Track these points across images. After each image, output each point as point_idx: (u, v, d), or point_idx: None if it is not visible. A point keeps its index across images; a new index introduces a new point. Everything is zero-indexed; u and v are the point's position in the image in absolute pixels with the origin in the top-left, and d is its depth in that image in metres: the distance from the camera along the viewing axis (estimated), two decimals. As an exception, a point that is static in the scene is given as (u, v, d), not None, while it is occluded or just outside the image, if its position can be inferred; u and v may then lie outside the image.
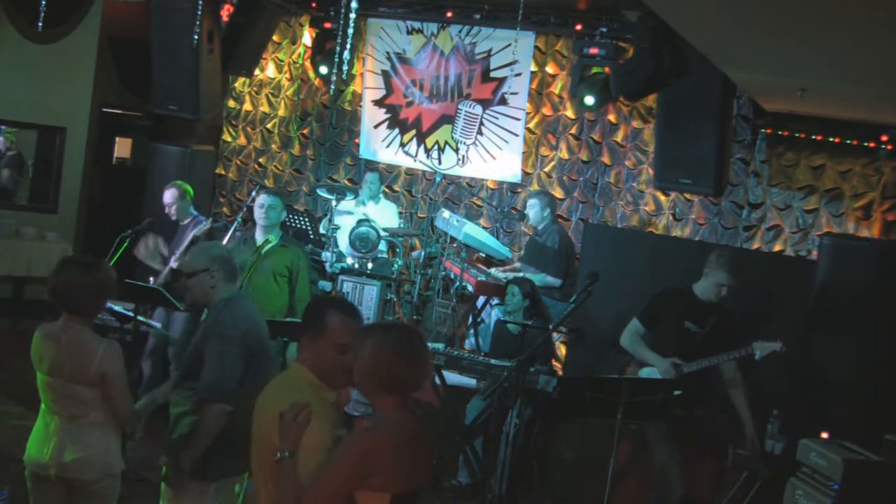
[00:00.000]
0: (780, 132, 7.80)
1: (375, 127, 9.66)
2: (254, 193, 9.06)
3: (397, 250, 8.80)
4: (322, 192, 8.83)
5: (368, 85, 9.69)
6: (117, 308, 6.04)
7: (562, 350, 8.10)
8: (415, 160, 9.45)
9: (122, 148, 11.55)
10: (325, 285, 8.08)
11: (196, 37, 8.04)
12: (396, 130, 9.55)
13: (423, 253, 8.58)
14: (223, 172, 10.45)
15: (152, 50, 8.71)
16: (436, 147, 9.36)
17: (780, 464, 5.60)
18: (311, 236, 8.68)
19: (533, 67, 8.88)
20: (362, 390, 2.85)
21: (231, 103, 10.41)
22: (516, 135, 8.95)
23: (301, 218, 8.82)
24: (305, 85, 10.15)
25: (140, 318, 6.14)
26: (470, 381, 6.53)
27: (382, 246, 8.37)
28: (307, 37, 9.94)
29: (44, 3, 6.89)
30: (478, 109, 9.13)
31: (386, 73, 9.55)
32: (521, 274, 7.49)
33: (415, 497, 2.81)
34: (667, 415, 5.28)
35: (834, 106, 6.79)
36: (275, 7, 9.26)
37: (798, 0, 3.53)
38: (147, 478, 5.70)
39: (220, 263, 3.93)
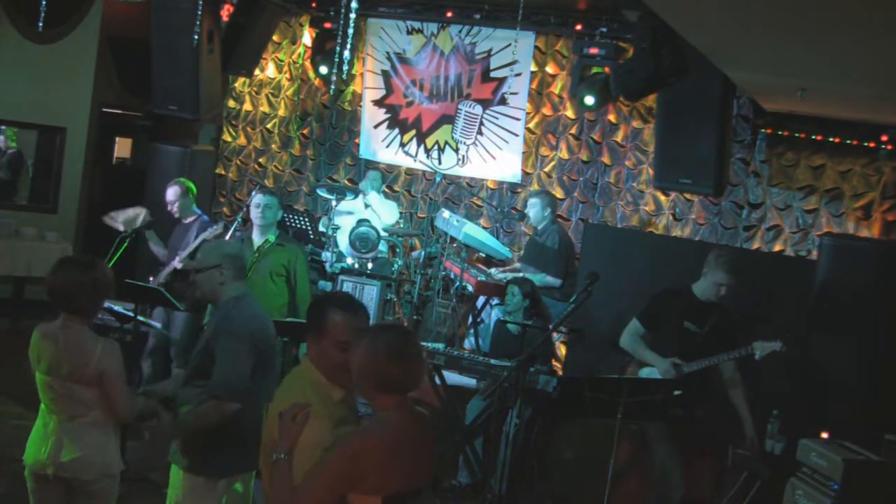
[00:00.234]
0: (780, 132, 7.79)
1: (375, 127, 9.66)
2: (254, 193, 9.12)
3: (397, 250, 8.80)
4: (322, 192, 8.83)
5: (368, 85, 9.69)
6: (117, 308, 6.04)
7: (562, 350, 8.10)
8: (415, 160, 9.45)
9: (122, 148, 11.55)
10: (325, 285, 8.08)
11: (196, 37, 8.05)
12: (396, 130, 9.55)
13: (423, 253, 8.58)
14: (223, 172, 10.45)
15: (152, 50, 8.71)
16: (436, 147, 9.36)
17: (780, 464, 5.60)
18: (311, 236, 8.69)
19: (533, 67, 8.88)
20: (359, 391, 2.85)
21: (231, 103, 10.41)
22: (516, 135, 8.95)
23: (301, 218, 8.82)
24: (305, 85, 10.15)
25: (140, 318, 6.14)
26: (470, 381, 6.53)
27: (382, 246, 8.37)
28: (307, 37, 9.94)
29: (44, 3, 6.89)
30: (478, 109, 9.13)
31: (386, 73, 9.55)
32: (520, 274, 7.49)
33: (410, 498, 2.79)
34: (667, 415, 5.28)
35: (834, 106, 6.79)
36: (275, 7, 9.26)
37: (798, 0, 3.53)
38: (147, 478, 5.70)
39: (231, 261, 3.96)
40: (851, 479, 4.67)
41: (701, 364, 5.45)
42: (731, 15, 4.07)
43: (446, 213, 8.30)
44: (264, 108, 10.32)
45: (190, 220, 6.96)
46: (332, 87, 9.55)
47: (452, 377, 6.37)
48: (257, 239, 6.28)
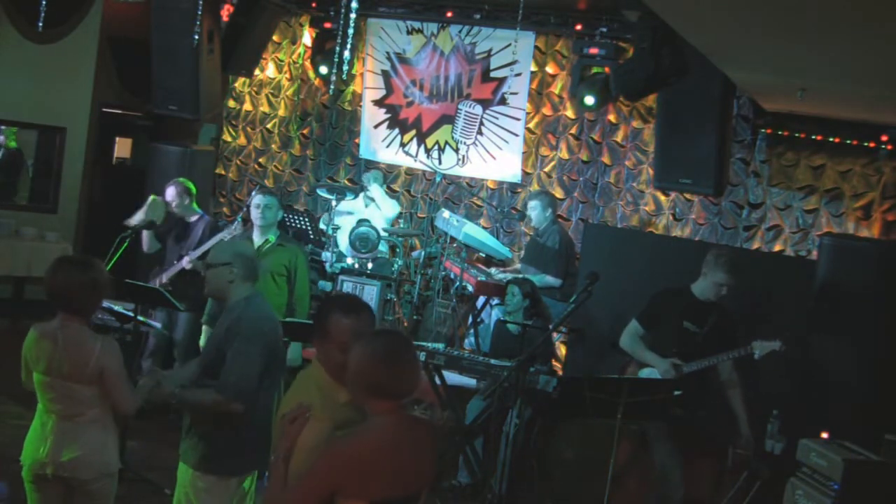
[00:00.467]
0: (780, 132, 7.79)
1: (375, 127, 9.66)
2: (254, 193, 9.12)
3: (397, 250, 8.80)
4: (322, 192, 8.83)
5: (368, 85, 9.69)
6: (117, 308, 6.04)
7: (562, 350, 8.10)
8: (415, 160, 9.45)
9: (122, 148, 11.55)
10: (325, 285, 8.08)
11: (196, 37, 8.05)
12: (396, 130, 9.55)
13: (423, 253, 8.59)
14: (223, 172, 10.45)
15: (152, 50, 8.71)
16: (436, 147, 9.36)
17: (780, 464, 5.60)
18: (311, 236, 8.69)
19: (533, 67, 8.88)
20: (353, 395, 2.84)
21: (231, 103, 10.41)
22: (516, 135, 8.95)
23: (301, 218, 8.82)
24: (305, 85, 10.15)
25: (140, 317, 6.14)
26: (470, 381, 6.53)
27: (382, 246, 8.37)
28: (307, 37, 9.94)
29: (44, 3, 6.89)
30: (478, 109, 9.13)
31: (386, 73, 9.55)
32: (521, 274, 7.49)
33: (401, 503, 2.78)
34: (667, 415, 5.28)
35: (834, 106, 6.79)
36: (275, 7, 9.26)
37: (798, 0, 3.53)
38: (147, 478, 5.70)
39: (242, 261, 3.97)
40: (851, 479, 4.67)
41: (701, 364, 5.45)
42: (731, 15, 4.07)
43: (446, 213, 8.30)
44: (264, 108, 10.32)
45: (193, 219, 6.95)
46: (332, 87, 9.55)
47: (452, 377, 6.37)
48: (257, 239, 6.28)
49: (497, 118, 9.03)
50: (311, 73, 9.98)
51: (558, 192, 8.77)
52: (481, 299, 8.02)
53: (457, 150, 9.25)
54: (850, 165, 7.66)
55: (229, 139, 10.47)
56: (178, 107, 8.79)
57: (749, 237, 8.05)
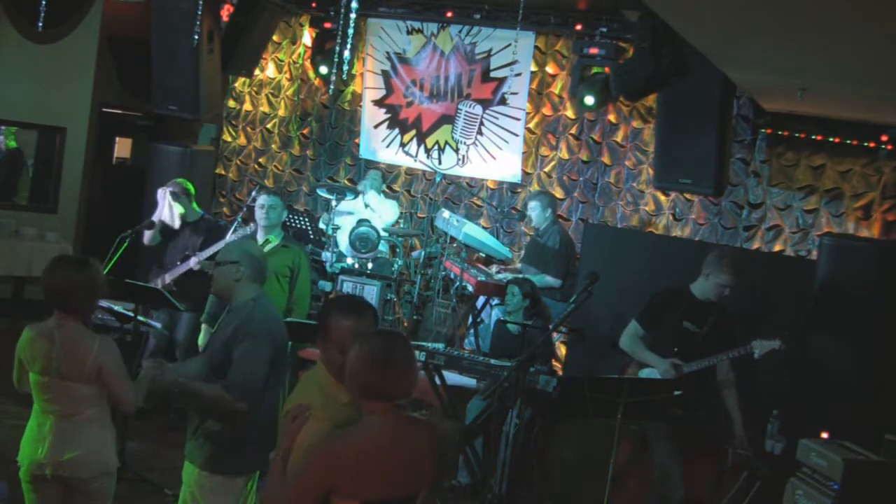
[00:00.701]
0: (780, 132, 7.79)
1: (375, 127, 9.66)
2: (254, 193, 9.10)
3: (397, 250, 8.80)
4: (322, 192, 8.83)
5: (368, 85, 9.69)
6: (117, 308, 6.04)
7: (562, 350, 8.10)
8: (415, 160, 9.45)
9: (122, 148, 11.55)
10: (325, 285, 8.08)
11: (196, 37, 8.05)
12: (396, 130, 9.55)
13: (423, 253, 8.58)
14: (223, 172, 10.45)
15: (152, 50, 8.71)
16: (436, 147, 9.36)
17: (780, 464, 5.60)
18: (312, 236, 8.69)
19: (533, 67, 8.88)
20: (351, 396, 2.85)
21: (231, 103, 10.41)
22: (516, 135, 8.95)
23: (301, 218, 8.82)
24: (305, 85, 10.15)
25: (140, 317, 6.14)
26: (470, 381, 6.53)
27: (382, 246, 8.37)
28: (307, 37, 9.94)
29: (44, 3, 6.89)
30: (478, 109, 9.13)
31: (386, 73, 9.55)
32: (521, 274, 7.49)
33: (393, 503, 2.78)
34: (667, 415, 5.28)
35: (834, 106, 6.79)
36: (275, 7, 9.26)
37: (798, 0, 3.53)
38: (147, 478, 5.70)
39: (250, 261, 3.97)
40: (851, 479, 4.67)
41: (701, 364, 5.45)
42: (731, 15, 4.06)
43: (446, 213, 8.30)
44: (264, 108, 10.32)
45: (194, 220, 6.94)
46: (332, 87, 9.54)
47: (452, 377, 6.37)
48: (261, 240, 6.27)
49: (497, 118, 9.03)
50: (311, 73, 9.98)
51: (558, 192, 8.77)
52: (481, 299, 8.02)
53: (457, 150, 9.25)
54: (850, 165, 7.66)
55: (229, 139, 10.47)
56: (178, 107, 8.79)
57: (749, 237, 8.05)
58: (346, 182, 9.77)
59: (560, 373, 7.63)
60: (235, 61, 9.31)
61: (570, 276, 7.67)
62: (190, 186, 6.99)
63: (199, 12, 7.76)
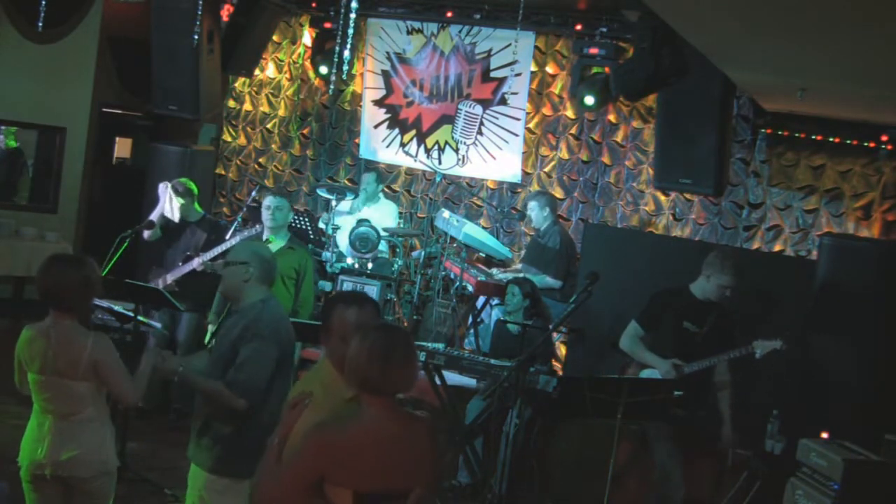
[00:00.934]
0: (780, 132, 7.79)
1: (375, 127, 9.66)
2: (254, 193, 9.12)
3: (397, 250, 8.79)
4: (322, 192, 8.83)
5: (368, 85, 9.69)
6: (117, 308, 6.04)
7: (562, 350, 8.10)
8: (415, 160, 9.45)
9: (122, 148, 11.55)
10: (325, 285, 8.07)
11: (196, 37, 8.04)
12: (396, 130, 9.55)
13: (423, 253, 8.58)
14: (223, 172, 10.45)
15: (152, 50, 8.71)
16: (436, 147, 9.36)
17: (780, 464, 5.60)
18: (312, 236, 8.68)
19: (533, 67, 8.88)
20: (348, 386, 2.86)
21: (231, 103, 10.41)
22: (516, 135, 8.95)
23: (301, 218, 8.81)
24: (305, 85, 10.15)
25: (140, 317, 6.14)
26: (470, 381, 6.53)
27: (382, 246, 8.37)
28: (307, 37, 9.94)
29: (44, 3, 6.89)
30: (478, 109, 9.13)
31: (386, 73, 9.55)
32: (521, 274, 7.49)
33: (386, 500, 2.77)
34: (667, 415, 5.28)
35: (834, 106, 6.79)
36: (275, 7, 9.26)
37: (798, 0, 3.53)
38: (147, 478, 5.70)
39: (259, 262, 3.97)
40: (851, 479, 4.67)
41: (702, 364, 5.45)
42: (731, 15, 4.07)
43: (446, 213, 8.30)
44: (264, 108, 10.32)
45: (195, 220, 6.93)
46: (332, 87, 9.55)
47: (452, 377, 6.37)
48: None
49: (497, 118, 9.03)
50: (311, 73, 9.98)
51: (558, 192, 8.77)
52: (481, 299, 8.02)
53: (457, 150, 9.25)
54: (850, 165, 7.66)
55: (229, 139, 10.47)
56: (178, 107, 8.79)
57: (749, 237, 8.05)
58: (346, 182, 9.77)
59: (560, 373, 7.63)
60: (235, 61, 9.31)
61: (570, 277, 7.67)
62: (193, 186, 6.99)
63: (199, 12, 7.76)
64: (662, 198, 8.41)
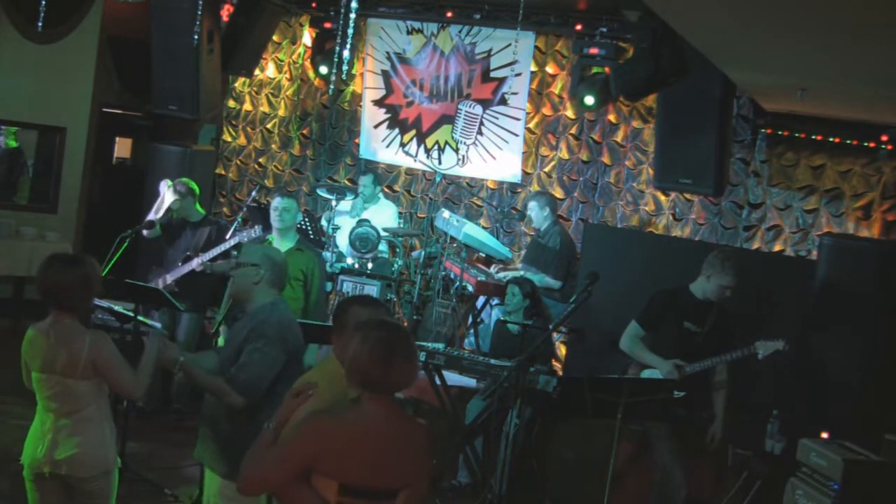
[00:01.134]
0: (780, 132, 7.79)
1: (375, 127, 9.66)
2: (254, 193, 9.13)
3: (397, 250, 8.79)
4: (322, 192, 8.83)
5: (368, 85, 9.69)
6: (117, 308, 6.04)
7: (562, 350, 8.10)
8: (415, 160, 9.45)
9: (122, 148, 11.56)
10: (326, 285, 8.07)
11: (196, 37, 8.04)
12: (396, 130, 9.55)
13: (423, 253, 8.58)
14: (223, 172, 10.45)
15: (152, 50, 8.72)
16: (436, 147, 9.36)
17: (780, 464, 5.60)
18: (312, 236, 8.67)
19: (533, 67, 8.88)
20: (349, 385, 2.86)
21: (231, 103, 10.41)
22: (516, 135, 8.95)
23: (301, 218, 8.80)
24: (305, 85, 10.15)
25: (140, 317, 6.14)
26: (470, 381, 6.53)
27: (382, 246, 8.37)
28: (307, 37, 9.94)
29: (44, 3, 6.89)
30: (478, 109, 9.13)
31: (386, 73, 9.55)
32: (519, 273, 7.49)
33: (371, 497, 2.76)
34: (668, 415, 5.27)
35: (834, 106, 6.79)
36: (275, 7, 9.26)
37: (798, 0, 3.53)
38: (147, 478, 5.70)
39: (270, 265, 3.97)
40: (851, 479, 4.66)
41: (703, 364, 5.45)
42: (732, 15, 4.07)
43: (446, 213, 8.30)
44: (264, 108, 10.32)
45: (196, 220, 6.93)
46: (332, 87, 9.55)
47: (452, 377, 6.36)
48: (277, 243, 6.26)
49: (497, 118, 9.03)
50: (311, 73, 9.98)
51: (558, 192, 8.77)
52: (481, 299, 8.02)
53: (457, 150, 9.25)
54: (850, 165, 7.66)
55: (229, 139, 10.48)
56: (178, 107, 8.79)
57: (749, 237, 8.05)
58: (346, 182, 9.78)
59: (560, 373, 7.63)
60: (235, 61, 9.32)
61: (570, 277, 7.67)
62: (195, 186, 6.99)
63: (199, 12, 7.76)
64: (662, 198, 8.41)
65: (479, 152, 9.14)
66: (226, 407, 3.81)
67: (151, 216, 6.88)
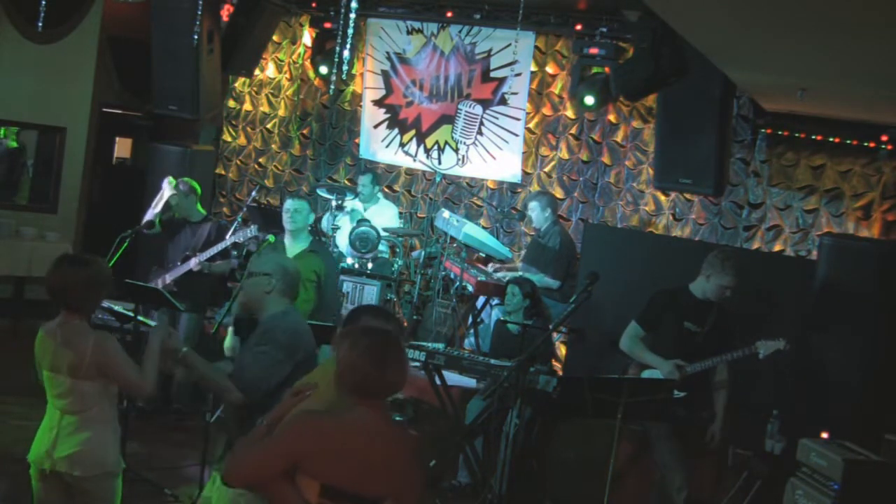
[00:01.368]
0: (780, 132, 7.79)
1: (375, 127, 9.66)
2: (254, 193, 9.12)
3: (397, 250, 8.79)
4: (322, 192, 8.83)
5: (368, 85, 9.69)
6: (117, 308, 6.04)
7: (562, 350, 8.10)
8: (414, 160, 9.45)
9: (122, 148, 11.56)
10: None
11: (196, 37, 8.05)
12: (396, 130, 9.55)
13: (423, 253, 8.58)
14: (223, 172, 10.45)
15: (152, 50, 8.72)
16: (435, 147, 9.36)
17: (780, 464, 5.60)
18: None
19: (533, 67, 8.88)
20: (340, 390, 2.86)
21: (231, 103, 10.41)
22: (516, 135, 8.95)
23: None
24: (305, 85, 10.15)
25: (140, 317, 6.14)
26: (470, 381, 6.53)
27: (382, 246, 8.37)
28: (307, 37, 9.94)
29: (44, 3, 6.89)
30: (478, 109, 9.13)
31: (386, 73, 9.55)
32: (519, 273, 7.49)
33: (351, 500, 2.74)
34: (668, 415, 5.27)
35: (834, 106, 6.79)
36: (275, 7, 9.27)
37: (798, 0, 3.54)
38: (147, 478, 5.70)
39: (283, 274, 3.95)
40: (851, 479, 4.67)
41: (704, 364, 5.44)
42: (732, 15, 4.07)
43: (446, 213, 8.30)
44: (264, 108, 10.32)
45: (197, 220, 6.93)
46: (332, 87, 9.55)
47: (452, 377, 6.37)
48: (288, 244, 6.25)
49: (497, 118, 9.03)
50: (311, 73, 9.98)
51: (558, 192, 8.77)
52: (481, 299, 8.02)
53: (456, 150, 9.25)
54: (850, 165, 7.66)
55: (229, 139, 10.48)
56: (178, 107, 8.80)
57: (749, 237, 8.04)
58: (346, 182, 9.78)
59: (560, 373, 7.63)
60: (235, 61, 9.32)
61: (570, 277, 7.67)
62: (196, 186, 7.00)
63: (199, 12, 7.76)
64: (662, 198, 8.41)
65: (478, 152, 9.14)
66: (236, 412, 3.80)
67: (149, 214, 6.89)
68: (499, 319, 6.93)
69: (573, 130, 8.84)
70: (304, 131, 10.18)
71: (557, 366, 7.83)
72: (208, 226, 6.89)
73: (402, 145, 9.52)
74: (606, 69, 8.03)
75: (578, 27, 8.36)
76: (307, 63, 10.01)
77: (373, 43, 9.57)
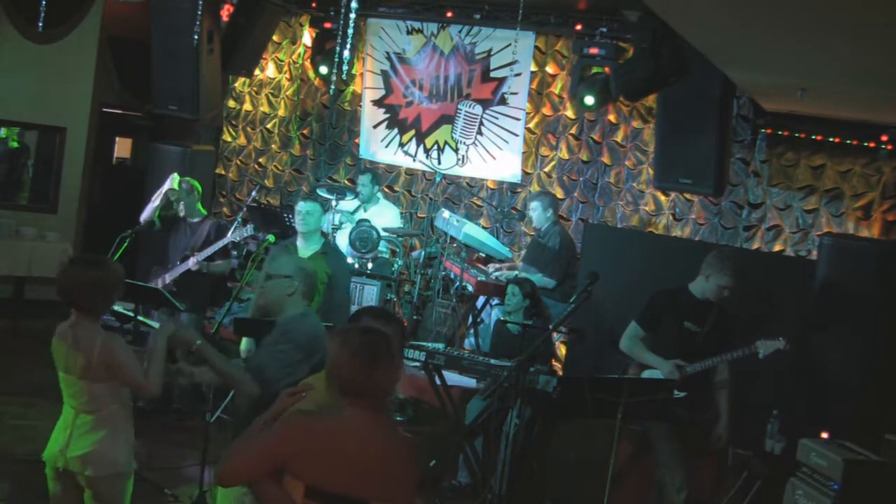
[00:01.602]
0: (780, 132, 7.79)
1: (375, 127, 9.66)
2: (254, 193, 9.13)
3: (397, 250, 8.79)
4: (322, 192, 8.83)
5: (368, 85, 9.69)
6: (117, 308, 6.04)
7: (562, 350, 8.10)
8: (414, 160, 9.44)
9: (122, 148, 11.56)
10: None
11: (196, 37, 8.05)
12: (395, 130, 9.55)
13: (423, 253, 8.58)
14: (223, 172, 10.45)
15: (152, 50, 8.72)
16: (435, 147, 9.36)
17: (780, 464, 5.60)
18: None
19: (533, 67, 8.87)
20: (331, 390, 2.85)
21: (231, 103, 10.42)
22: (516, 135, 8.95)
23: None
24: (305, 85, 10.15)
25: (140, 317, 6.14)
26: (470, 381, 6.53)
27: (382, 246, 8.37)
28: (307, 37, 9.94)
29: (44, 3, 6.89)
30: (478, 109, 9.13)
31: (386, 73, 9.55)
32: (518, 273, 7.49)
33: (337, 499, 2.71)
34: (668, 415, 5.27)
35: (834, 106, 6.79)
36: (275, 7, 9.27)
37: (798, 0, 3.54)
38: (147, 478, 5.70)
39: (304, 277, 3.99)
40: (851, 479, 4.67)
41: (704, 364, 5.44)
42: (732, 15, 4.07)
43: (446, 213, 8.30)
44: (264, 108, 10.32)
45: (197, 220, 6.94)
46: (332, 87, 9.55)
47: (452, 377, 6.36)
48: (301, 246, 6.25)
49: (497, 118, 9.03)
50: (311, 73, 9.98)
51: (558, 192, 8.77)
52: (481, 299, 8.02)
53: (456, 150, 9.25)
54: (850, 165, 7.66)
55: (229, 139, 10.48)
56: (178, 107, 8.80)
57: (749, 237, 8.04)
58: (346, 182, 9.78)
59: (560, 373, 7.63)
60: (235, 61, 9.32)
61: (570, 277, 7.66)
62: (198, 185, 7.01)
63: (199, 12, 7.77)
64: (662, 198, 8.41)
65: (478, 152, 9.14)
66: (250, 405, 3.80)
67: (148, 209, 6.90)
68: (499, 319, 6.93)
69: (573, 130, 8.84)
70: (304, 131, 10.18)
71: (557, 366, 7.83)
72: (208, 225, 6.90)
73: (401, 145, 9.52)
74: (606, 69, 8.03)
75: (578, 27, 8.36)
76: (307, 63, 10.01)
77: (373, 43, 9.57)
